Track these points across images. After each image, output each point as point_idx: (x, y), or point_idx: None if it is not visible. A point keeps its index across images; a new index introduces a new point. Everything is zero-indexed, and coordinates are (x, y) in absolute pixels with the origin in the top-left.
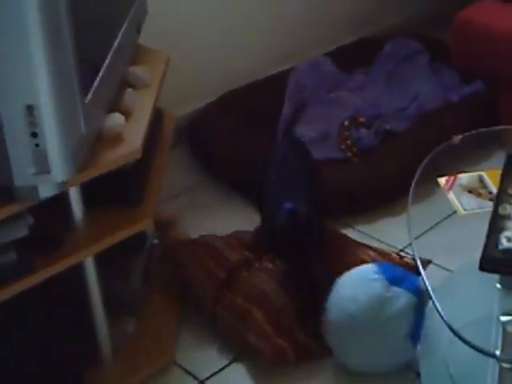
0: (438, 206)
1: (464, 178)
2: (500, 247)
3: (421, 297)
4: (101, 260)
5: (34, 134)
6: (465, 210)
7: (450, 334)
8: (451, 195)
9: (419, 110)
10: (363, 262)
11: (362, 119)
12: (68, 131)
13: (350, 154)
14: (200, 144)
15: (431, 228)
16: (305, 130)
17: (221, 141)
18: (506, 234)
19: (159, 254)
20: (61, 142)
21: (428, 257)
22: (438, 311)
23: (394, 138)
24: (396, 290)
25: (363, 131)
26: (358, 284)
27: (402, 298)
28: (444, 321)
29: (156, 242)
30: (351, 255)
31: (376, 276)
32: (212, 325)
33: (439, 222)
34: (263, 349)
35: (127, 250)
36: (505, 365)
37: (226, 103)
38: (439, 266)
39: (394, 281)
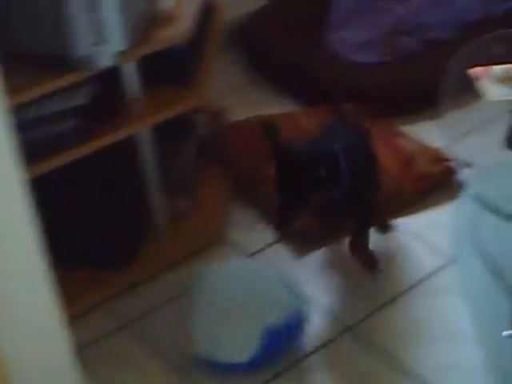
0: (477, 111)
1: (496, 69)
2: None
3: None
4: (155, 141)
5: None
6: (495, 96)
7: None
8: (483, 83)
9: (461, 20)
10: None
11: (404, 27)
12: (126, 5)
13: (391, 60)
14: (253, 45)
15: (469, 132)
16: (350, 35)
17: (273, 42)
18: None
19: (210, 140)
20: (118, 14)
21: (464, 158)
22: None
23: (434, 47)
24: None
25: (405, 39)
26: None
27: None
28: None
29: (206, 132)
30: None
31: None
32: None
33: (478, 127)
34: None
35: (180, 136)
36: None
37: (278, 6)
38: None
39: None
